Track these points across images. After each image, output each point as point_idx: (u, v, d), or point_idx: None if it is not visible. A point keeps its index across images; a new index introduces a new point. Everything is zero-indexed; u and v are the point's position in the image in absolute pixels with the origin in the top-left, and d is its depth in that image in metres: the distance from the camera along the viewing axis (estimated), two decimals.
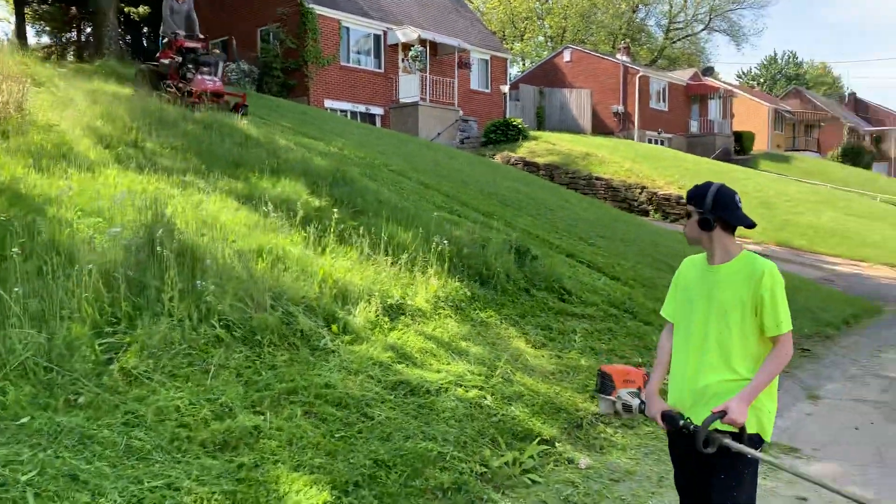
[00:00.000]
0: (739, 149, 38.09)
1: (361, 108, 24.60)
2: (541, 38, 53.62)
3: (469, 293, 6.00)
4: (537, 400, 4.69)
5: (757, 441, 2.60)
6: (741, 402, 2.50)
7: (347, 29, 24.29)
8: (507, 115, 28.81)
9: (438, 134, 24.91)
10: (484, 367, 4.91)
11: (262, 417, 3.66)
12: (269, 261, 5.19)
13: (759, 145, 41.92)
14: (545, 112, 35.02)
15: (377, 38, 25.29)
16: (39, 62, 11.70)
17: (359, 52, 24.97)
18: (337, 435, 3.71)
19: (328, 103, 23.41)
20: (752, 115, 45.20)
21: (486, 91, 29.51)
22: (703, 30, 54.79)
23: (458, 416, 4.24)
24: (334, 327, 4.71)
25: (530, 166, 22.59)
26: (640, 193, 20.27)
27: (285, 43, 22.89)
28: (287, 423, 3.68)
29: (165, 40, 11.16)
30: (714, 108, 39.89)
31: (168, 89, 10.73)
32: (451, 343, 5.14)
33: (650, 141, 34.96)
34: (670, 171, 22.05)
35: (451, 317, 5.61)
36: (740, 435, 2.53)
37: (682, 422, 2.61)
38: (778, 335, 2.57)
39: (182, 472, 3.11)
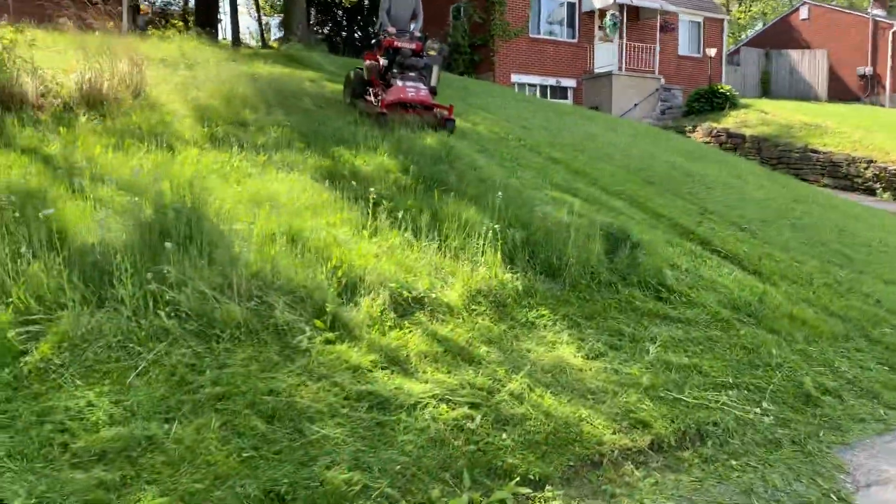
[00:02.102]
0: None
1: (551, 80, 23.63)
2: None
3: (522, 287, 5.14)
4: (545, 427, 3.79)
5: None
6: None
7: None
8: (724, 82, 26.09)
9: (635, 105, 23.24)
10: (493, 379, 4.09)
11: (168, 426, 3.23)
12: (284, 244, 4.77)
13: None
14: (771, 78, 31.39)
15: (571, 5, 24.09)
16: (204, 45, 12.37)
17: (550, 23, 23.95)
18: (245, 454, 3.17)
19: (514, 77, 22.76)
20: None
21: (697, 56, 26.97)
22: None
23: (424, 440, 3.50)
24: (319, 322, 4.16)
25: (735, 138, 20.19)
26: (865, 169, 17.17)
27: (472, 18, 22.53)
28: (194, 434, 3.22)
29: (378, 38, 9.55)
30: None
31: (366, 98, 9.42)
32: (466, 347, 4.37)
33: None
34: None
35: (486, 315, 4.81)
36: None
37: None
38: None
39: (23, 486, 2.77)
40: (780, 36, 33.43)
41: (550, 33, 23.82)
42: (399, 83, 8.76)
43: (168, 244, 4.08)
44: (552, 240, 5.68)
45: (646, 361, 4.68)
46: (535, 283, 5.26)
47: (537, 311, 5.01)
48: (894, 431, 4.50)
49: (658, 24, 24.83)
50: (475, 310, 4.85)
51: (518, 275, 5.27)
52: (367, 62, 9.32)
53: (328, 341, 4.07)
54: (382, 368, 3.98)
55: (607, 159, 9.91)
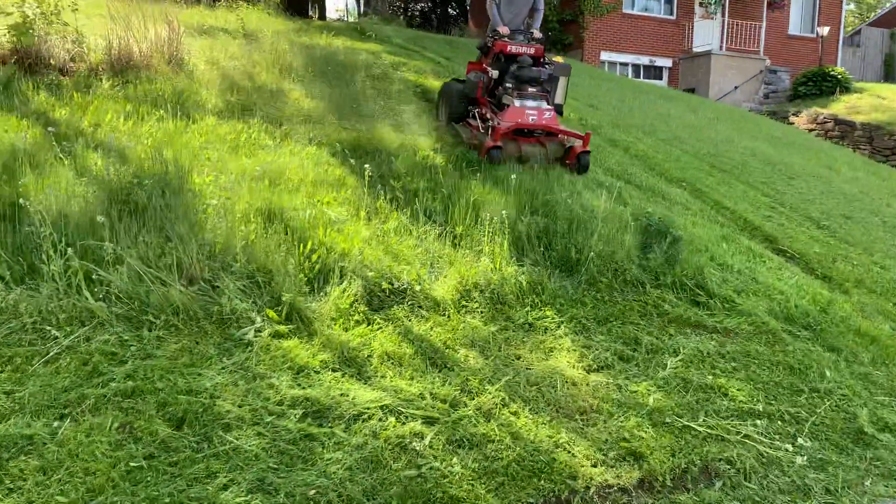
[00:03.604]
0: None
1: (645, 59, 22.32)
2: None
3: (526, 283, 4.51)
4: (508, 452, 3.19)
5: None
6: None
7: None
8: (839, 65, 23.93)
9: (735, 88, 21.63)
10: (462, 390, 3.52)
11: (58, 425, 2.86)
12: (260, 222, 4.35)
13: None
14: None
15: None
16: (270, 17, 12.15)
17: None
18: (133, 464, 2.75)
19: (605, 56, 21.61)
20: None
21: (810, 36, 24.84)
22: None
23: (356, 460, 2.99)
24: (271, 313, 3.70)
25: (843, 125, 18.39)
26: None
27: None
28: (83, 436, 2.83)
29: (485, 42, 7.29)
30: None
31: (468, 122, 7.19)
32: (441, 350, 3.81)
33: None
34: None
35: (478, 313, 4.23)
36: None
37: None
38: None
39: None
40: None
41: (646, 9, 22.43)
42: (516, 103, 6.52)
43: (100, 217, 3.71)
44: (574, 230, 5.00)
45: (659, 378, 3.98)
46: (544, 278, 4.62)
47: (540, 311, 4.38)
48: None
49: (766, 0, 22.97)
50: (466, 307, 4.27)
51: (526, 269, 4.65)
52: (471, 73, 7.18)
53: (278, 335, 3.61)
54: (333, 370, 3.49)
55: (676, 143, 9.00)
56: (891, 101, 19.31)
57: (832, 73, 20.61)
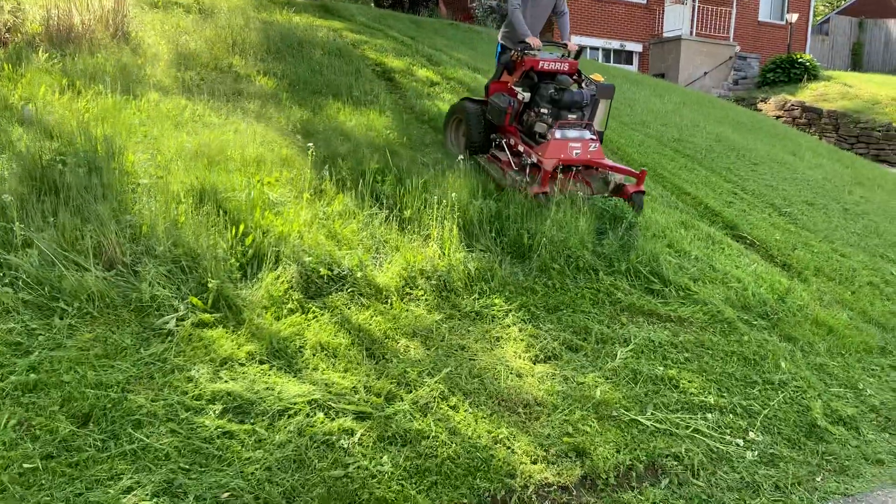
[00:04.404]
0: None
1: (615, 44, 22.19)
2: None
3: (475, 269, 4.32)
4: (444, 449, 3.01)
5: None
6: None
7: None
8: (808, 52, 24.00)
9: (704, 73, 21.61)
10: (400, 382, 3.33)
11: None
12: (192, 203, 4.10)
13: None
14: (864, 49, 28.85)
15: None
16: None
17: None
18: (28, 465, 2.51)
19: (575, 40, 21.36)
20: None
21: (780, 23, 24.88)
22: None
23: (277, 459, 2.78)
24: (196, 300, 3.47)
25: (810, 113, 18.45)
26: None
27: None
28: None
29: (506, 54, 5.98)
30: None
31: (494, 155, 5.90)
32: (381, 340, 3.61)
33: None
34: None
35: (423, 301, 4.03)
36: None
37: None
38: None
39: None
40: (880, 4, 30.64)
41: None
42: (557, 134, 5.35)
43: (6, 196, 3.44)
44: (527, 214, 4.82)
45: (607, 369, 3.82)
46: (494, 265, 4.43)
47: (489, 298, 4.20)
48: None
49: None
50: (411, 294, 4.07)
51: (475, 255, 4.46)
52: (494, 96, 5.81)
53: (202, 324, 3.38)
54: (260, 363, 3.27)
55: (640, 127, 8.86)
56: (857, 89, 19.41)
57: (800, 60, 20.66)
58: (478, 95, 6.95)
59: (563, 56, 5.80)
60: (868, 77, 21.54)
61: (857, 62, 28.19)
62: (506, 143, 5.78)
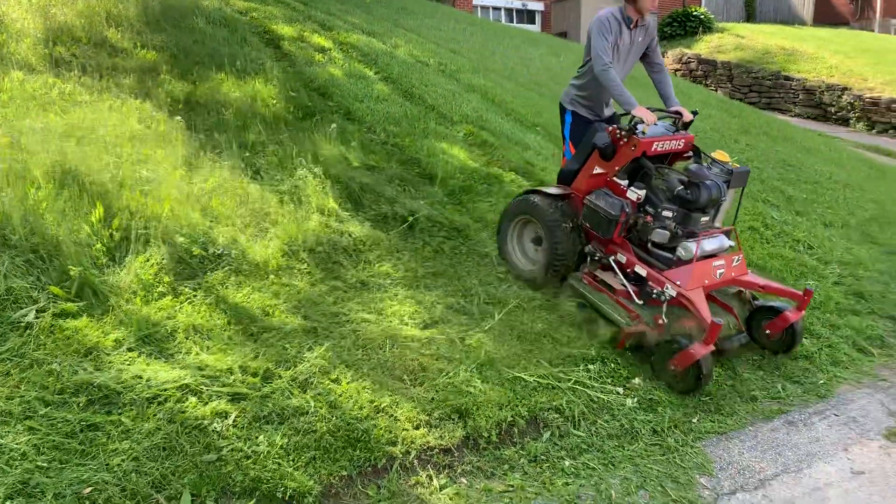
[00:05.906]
0: None
1: (517, 4, 22.22)
2: None
3: (361, 239, 4.27)
4: (324, 424, 2.97)
5: None
6: None
7: None
8: (703, 6, 24.60)
9: None
10: (278, 360, 3.27)
11: None
12: (53, 187, 3.87)
13: None
14: (756, 2, 29.83)
15: None
16: None
17: None
18: None
19: (477, 1, 21.30)
20: None
21: None
22: None
23: (145, 448, 2.68)
24: (57, 290, 3.30)
25: (706, 64, 19.01)
26: (839, 97, 16.08)
27: None
28: None
29: (583, 127, 4.37)
30: None
31: (597, 277, 4.21)
32: (260, 318, 3.53)
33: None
34: (893, 67, 17.29)
35: (307, 274, 3.96)
36: None
37: None
38: None
39: None
40: None
41: None
42: (692, 247, 3.87)
43: None
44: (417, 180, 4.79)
45: (492, 329, 3.86)
46: (381, 234, 4.39)
47: (376, 267, 4.16)
48: (786, 414, 3.72)
49: None
50: (294, 268, 3.99)
51: (360, 224, 4.40)
52: (597, 198, 4.12)
53: (64, 314, 3.22)
54: (129, 350, 3.14)
55: (535, 87, 8.92)
56: (749, 39, 20.08)
57: (696, 13, 21.20)
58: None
59: (674, 128, 4.19)
60: (760, 28, 22.32)
61: (750, 13, 29.12)
62: (616, 262, 4.12)
